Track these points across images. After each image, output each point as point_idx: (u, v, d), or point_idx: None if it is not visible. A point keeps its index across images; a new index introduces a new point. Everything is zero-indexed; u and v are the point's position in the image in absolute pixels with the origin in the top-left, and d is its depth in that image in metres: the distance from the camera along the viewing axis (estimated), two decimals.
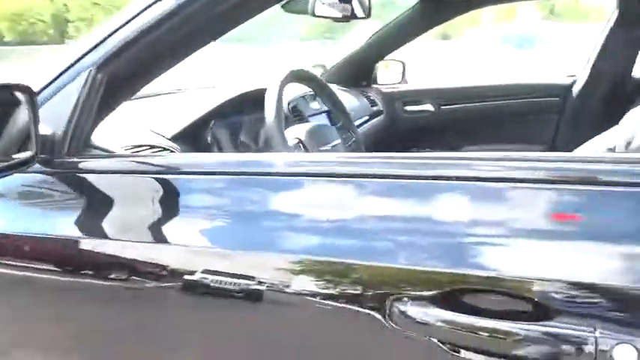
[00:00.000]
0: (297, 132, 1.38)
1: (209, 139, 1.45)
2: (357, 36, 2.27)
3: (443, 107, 2.19)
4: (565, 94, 2.05)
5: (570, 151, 1.89)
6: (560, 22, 13.76)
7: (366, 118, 2.04)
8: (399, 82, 2.28)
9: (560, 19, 14.93)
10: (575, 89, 2.03)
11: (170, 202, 0.82)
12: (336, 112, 1.68)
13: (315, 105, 1.77)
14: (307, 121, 1.64)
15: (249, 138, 1.59)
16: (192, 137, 1.40)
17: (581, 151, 1.05)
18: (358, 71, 2.21)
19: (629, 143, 1.77)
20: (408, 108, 2.24)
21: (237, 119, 1.58)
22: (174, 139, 1.33)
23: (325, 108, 1.74)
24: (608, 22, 1.91)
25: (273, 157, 0.89)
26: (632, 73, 1.96)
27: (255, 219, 0.74)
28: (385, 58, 2.24)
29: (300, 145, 1.35)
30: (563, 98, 2.05)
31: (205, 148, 1.43)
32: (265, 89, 1.32)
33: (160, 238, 0.80)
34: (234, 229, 0.76)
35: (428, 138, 2.18)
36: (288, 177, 0.78)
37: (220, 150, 1.48)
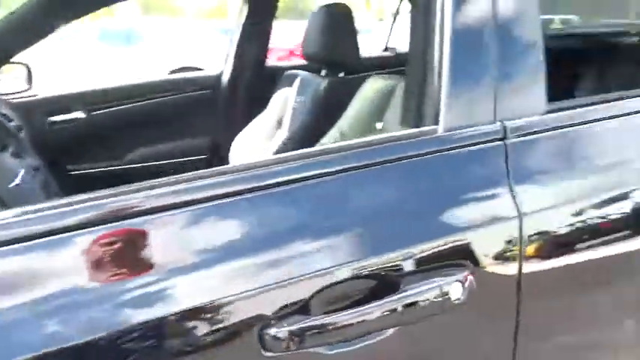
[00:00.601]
0: None
1: None
2: None
3: (94, 113, 1.98)
4: (215, 85, 2.13)
5: (232, 138, 2.00)
6: (160, 17, 14.40)
7: None
8: (26, 89, 1.94)
9: (157, 13, 15.79)
10: (224, 80, 2.13)
11: None
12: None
13: None
14: None
15: None
16: None
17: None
18: None
19: (279, 122, 1.98)
20: (53, 119, 1.93)
21: None
22: None
23: None
24: (240, 17, 2.07)
25: None
26: (266, 62, 2.19)
27: None
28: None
29: None
30: (214, 90, 2.13)
31: None
32: None
33: None
34: None
35: (83, 149, 1.95)
36: None
37: None
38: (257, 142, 1.98)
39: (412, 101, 0.73)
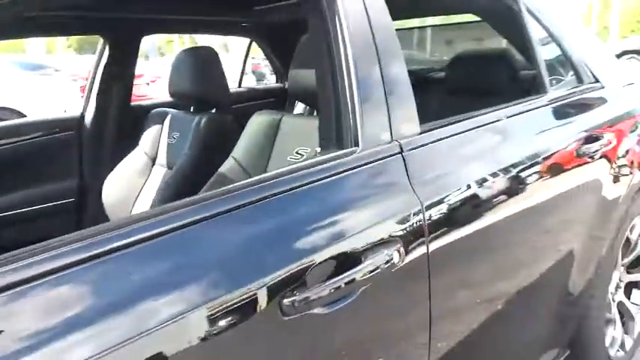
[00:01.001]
0: None
1: None
2: None
3: None
4: (79, 126, 2.10)
5: (101, 178, 1.98)
6: None
7: None
8: None
9: None
10: (87, 121, 2.11)
11: None
12: None
13: None
14: None
15: None
16: None
17: None
18: None
19: (152, 159, 2.03)
20: None
21: None
22: None
23: None
24: (101, 58, 2.09)
25: None
26: (131, 103, 2.23)
27: None
28: None
29: None
30: (77, 130, 2.10)
31: None
32: None
33: None
34: None
35: None
36: None
37: None
38: (130, 179, 2.01)
39: (333, 132, 0.95)
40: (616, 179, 1.58)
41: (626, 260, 1.87)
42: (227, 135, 1.79)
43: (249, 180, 0.83)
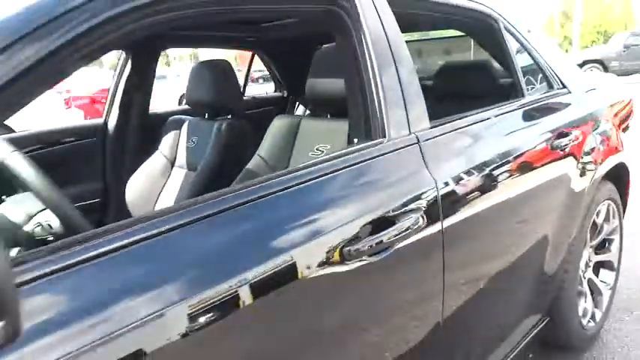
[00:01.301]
0: None
1: None
2: None
3: None
4: (102, 133, 2.28)
5: (123, 180, 2.16)
6: None
7: None
8: None
9: None
10: (110, 128, 2.30)
11: None
12: None
13: None
14: None
15: None
16: None
17: None
18: None
19: (171, 161, 2.22)
20: None
21: None
22: None
23: None
24: (124, 67, 2.28)
25: None
26: (150, 109, 2.43)
27: None
28: None
29: None
30: (101, 137, 2.28)
31: None
32: None
33: None
34: None
35: None
36: None
37: None
38: (152, 180, 2.20)
39: (362, 127, 1.19)
40: (583, 171, 1.86)
41: (595, 242, 2.15)
42: (244, 137, 2.01)
43: (312, 161, 1.05)
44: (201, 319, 0.77)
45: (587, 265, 2.13)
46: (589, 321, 2.10)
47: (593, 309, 2.14)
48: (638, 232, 3.17)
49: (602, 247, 2.24)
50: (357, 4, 1.19)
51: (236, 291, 0.81)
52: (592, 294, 2.17)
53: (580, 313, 2.03)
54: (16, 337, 0.58)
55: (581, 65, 13.50)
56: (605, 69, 14.12)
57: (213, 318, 0.78)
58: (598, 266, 2.24)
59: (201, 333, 0.77)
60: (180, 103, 9.76)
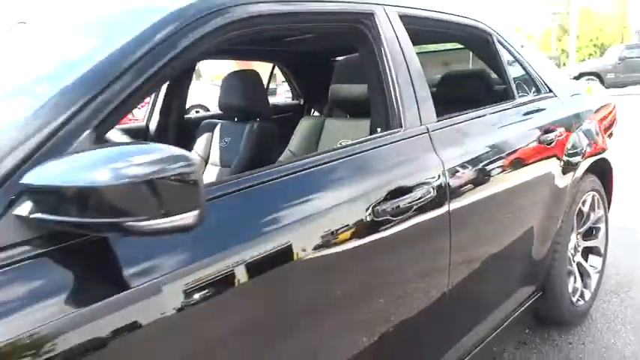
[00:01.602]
0: None
1: None
2: None
3: None
4: (144, 135, 2.58)
5: None
6: None
7: None
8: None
9: None
10: (151, 130, 2.59)
11: None
12: None
13: None
14: None
15: None
16: None
17: None
18: None
19: (205, 160, 2.51)
20: None
21: None
22: None
23: None
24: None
25: None
26: (187, 115, 2.73)
27: None
28: None
29: None
30: (143, 138, 2.57)
31: None
32: None
33: None
34: None
35: None
36: None
37: None
38: None
39: (383, 120, 1.48)
40: (569, 163, 2.14)
41: (582, 229, 2.43)
42: (272, 137, 2.30)
43: (342, 145, 1.33)
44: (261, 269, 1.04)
45: (575, 249, 2.40)
46: (578, 299, 2.36)
47: (582, 289, 2.40)
48: (628, 225, 3.45)
49: (589, 234, 2.51)
50: (377, 22, 1.49)
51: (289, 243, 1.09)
52: (582, 277, 2.43)
53: (570, 290, 2.29)
54: (201, 223, 0.83)
55: (577, 78, 13.83)
56: (602, 81, 14.47)
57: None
58: (587, 252, 2.51)
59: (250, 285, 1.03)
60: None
